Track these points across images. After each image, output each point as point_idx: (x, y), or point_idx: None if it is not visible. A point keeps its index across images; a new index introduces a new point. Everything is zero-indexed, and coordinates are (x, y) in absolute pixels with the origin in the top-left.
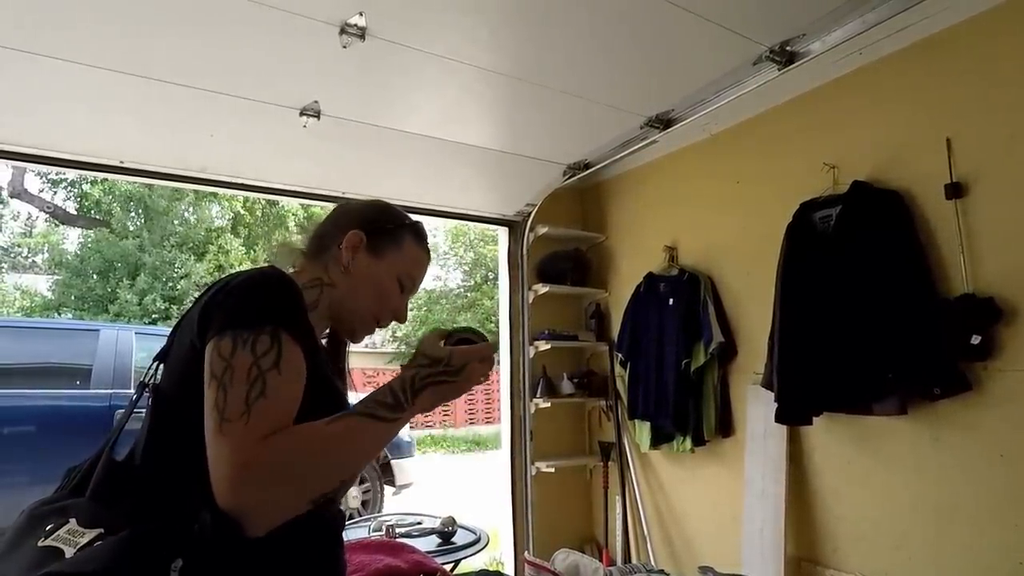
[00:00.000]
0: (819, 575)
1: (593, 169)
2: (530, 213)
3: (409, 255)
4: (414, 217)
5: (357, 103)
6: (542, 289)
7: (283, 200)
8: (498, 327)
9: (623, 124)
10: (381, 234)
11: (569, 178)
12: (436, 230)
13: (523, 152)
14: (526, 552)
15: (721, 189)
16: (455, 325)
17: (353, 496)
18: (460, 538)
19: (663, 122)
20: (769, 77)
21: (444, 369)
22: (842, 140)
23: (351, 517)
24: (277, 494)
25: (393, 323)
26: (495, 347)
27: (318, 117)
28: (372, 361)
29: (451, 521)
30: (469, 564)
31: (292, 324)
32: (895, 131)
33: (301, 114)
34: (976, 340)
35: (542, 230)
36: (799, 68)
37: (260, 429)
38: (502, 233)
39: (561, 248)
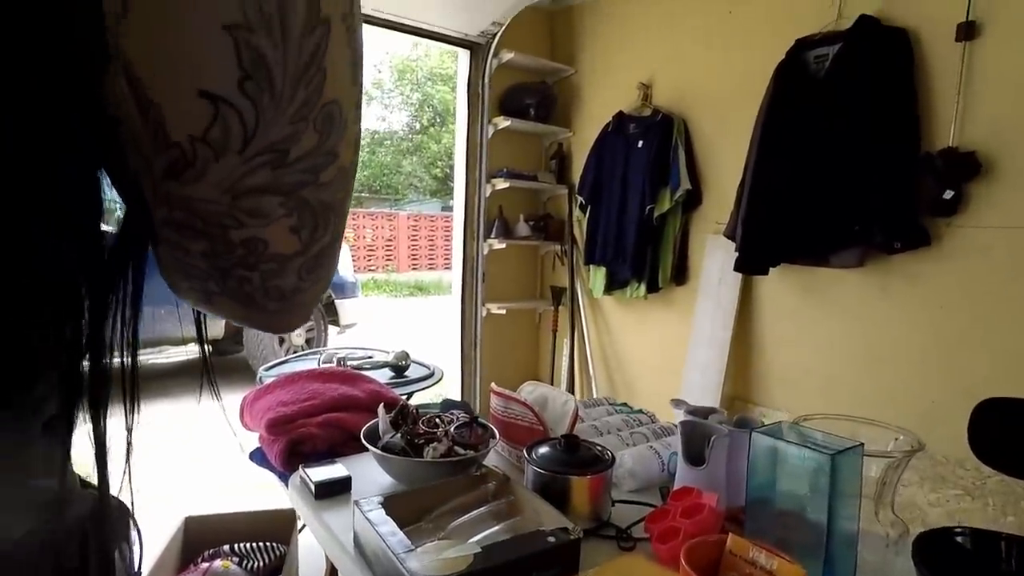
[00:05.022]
0: (750, 411)
1: None
2: (495, 34)
3: None
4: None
5: None
6: (503, 123)
7: None
8: (452, 164)
9: None
10: None
11: None
12: (381, 64)
13: None
14: (493, 383)
15: (709, 21)
16: None
17: (297, 335)
18: (413, 372)
19: None
20: None
21: None
22: None
23: (294, 352)
24: None
25: None
26: None
27: None
28: None
29: (404, 355)
30: (421, 398)
31: None
32: None
33: None
34: (948, 195)
35: (507, 56)
36: None
37: None
38: (463, 56)
39: (526, 80)
